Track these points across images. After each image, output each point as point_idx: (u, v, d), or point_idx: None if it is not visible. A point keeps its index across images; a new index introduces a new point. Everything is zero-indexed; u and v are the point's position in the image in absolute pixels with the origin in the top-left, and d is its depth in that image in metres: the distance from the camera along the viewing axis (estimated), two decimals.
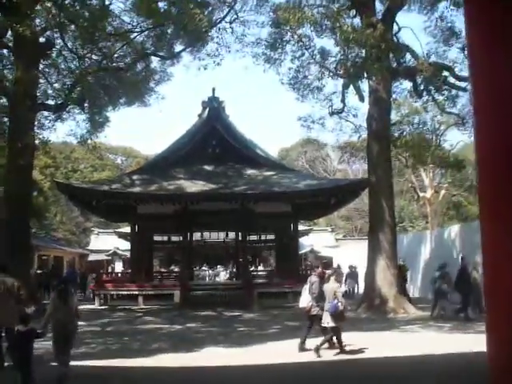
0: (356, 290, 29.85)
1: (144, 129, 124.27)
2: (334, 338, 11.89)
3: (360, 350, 11.96)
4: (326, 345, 11.86)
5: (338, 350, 11.67)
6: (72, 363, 8.67)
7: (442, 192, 52.70)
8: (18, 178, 20.25)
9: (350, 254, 39.08)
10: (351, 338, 12.98)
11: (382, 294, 19.81)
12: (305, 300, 12.45)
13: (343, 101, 22.60)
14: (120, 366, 10.51)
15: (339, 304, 11.41)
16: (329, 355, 11.39)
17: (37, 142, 32.17)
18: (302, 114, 24.55)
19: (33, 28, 18.00)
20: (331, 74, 20.00)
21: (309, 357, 11.19)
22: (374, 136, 21.12)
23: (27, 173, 21.20)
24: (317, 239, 49.05)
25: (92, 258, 52.29)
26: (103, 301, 24.52)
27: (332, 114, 23.46)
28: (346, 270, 26.78)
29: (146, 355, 11.63)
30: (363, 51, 17.77)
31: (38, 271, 29.82)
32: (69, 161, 74.50)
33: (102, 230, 56.07)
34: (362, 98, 21.95)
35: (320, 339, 11.72)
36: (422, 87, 22.52)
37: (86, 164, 75.60)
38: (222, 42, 22.38)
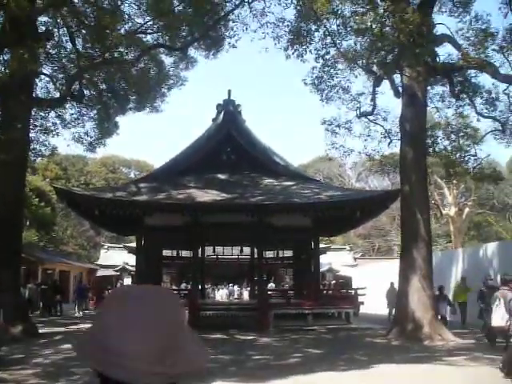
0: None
1: (157, 142, 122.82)
2: None
3: None
4: None
5: None
6: None
7: (466, 210, 50.52)
8: (8, 177, 18.15)
9: (370, 273, 36.97)
10: (387, 372, 10.79)
11: (416, 318, 17.45)
12: (499, 317, 10.57)
13: (373, 100, 20.41)
14: None
15: None
16: None
17: (43, 148, 30.79)
18: (327, 117, 22.20)
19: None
20: (362, 69, 17.91)
21: None
22: (407, 140, 18.86)
23: (19, 173, 19.13)
24: (334, 258, 46.76)
25: (101, 273, 50.72)
26: None
27: (360, 116, 21.26)
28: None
29: None
30: (399, 41, 15.61)
31: (32, 286, 27.72)
32: (81, 174, 73.26)
33: (112, 245, 54.64)
34: (397, 93, 19.66)
35: None
36: (458, 88, 20.38)
37: (98, 178, 74.03)
38: (238, 19, 20.53)
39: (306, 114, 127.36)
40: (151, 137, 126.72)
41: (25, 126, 18.84)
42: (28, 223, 48.29)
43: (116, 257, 48.02)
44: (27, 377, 10.74)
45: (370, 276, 34.04)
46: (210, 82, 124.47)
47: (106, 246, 54.46)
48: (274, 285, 36.82)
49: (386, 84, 20.75)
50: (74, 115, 27.81)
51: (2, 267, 16.71)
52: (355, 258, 54.26)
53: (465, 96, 21.43)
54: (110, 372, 1.06)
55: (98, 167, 77.52)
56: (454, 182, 43.55)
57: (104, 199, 21.63)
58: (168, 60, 26.18)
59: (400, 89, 19.98)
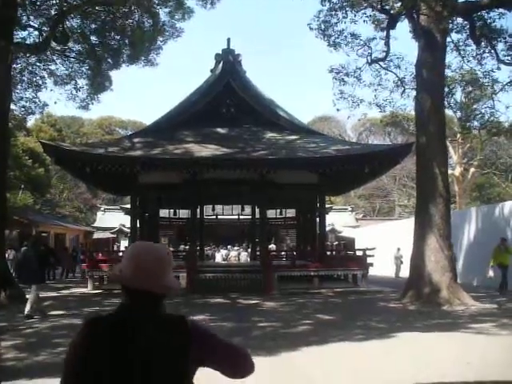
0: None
1: (155, 102, 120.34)
2: None
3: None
4: None
5: None
6: None
7: (471, 170, 49.22)
8: None
9: (373, 234, 35.80)
10: (410, 340, 9.64)
11: (433, 281, 16.10)
12: None
13: (387, 44, 18.57)
14: None
15: None
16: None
17: (33, 105, 29.28)
18: (335, 65, 20.46)
19: None
20: (375, 9, 16.19)
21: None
22: (424, 87, 17.14)
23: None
24: (336, 219, 45.47)
25: (97, 235, 49.74)
26: (98, 283, 21.07)
27: (372, 62, 19.52)
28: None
29: None
30: None
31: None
32: (77, 135, 71.77)
33: (108, 207, 53.41)
34: (415, 34, 17.85)
35: None
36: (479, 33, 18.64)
37: (94, 139, 72.49)
38: None
39: (305, 75, 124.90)
40: (148, 97, 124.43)
41: (6, 74, 17.19)
42: (22, 186, 47.24)
43: (113, 219, 47.17)
44: (5, 350, 9.36)
45: (372, 237, 32.84)
46: (209, 35, 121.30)
47: (102, 208, 53.37)
48: (274, 246, 35.58)
49: (399, 29, 19.07)
50: (66, 71, 26.48)
51: None
52: (357, 219, 53.11)
53: (484, 44, 19.73)
54: (124, 283, 2.08)
55: (94, 129, 76.32)
56: (460, 140, 42.21)
57: (95, 155, 20.03)
58: (163, 11, 24.59)
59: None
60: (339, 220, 47.05)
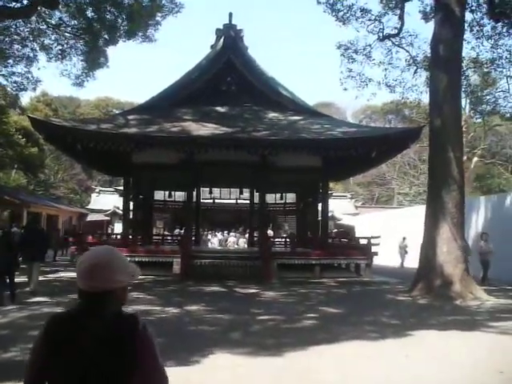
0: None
1: (153, 83, 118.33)
2: None
3: None
4: None
5: None
6: None
7: (474, 159, 48.26)
8: None
9: (373, 222, 34.79)
10: (430, 340, 8.72)
11: (445, 273, 15.00)
12: None
13: (401, 17, 17.28)
14: None
15: None
16: None
17: (25, 81, 28.19)
18: (343, 41, 19.22)
19: None
20: None
21: None
22: (440, 65, 15.89)
23: None
24: (335, 206, 44.31)
25: (91, 217, 48.61)
26: None
27: (383, 38, 18.29)
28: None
29: None
30: None
31: (16, 229, 24.97)
32: (73, 115, 70.34)
33: (103, 189, 52.05)
34: (434, 6, 16.58)
35: None
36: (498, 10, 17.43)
37: None
38: None
39: (305, 59, 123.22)
40: (147, 79, 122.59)
41: None
42: (16, 166, 46.15)
43: (107, 201, 45.88)
44: None
45: (373, 225, 31.81)
46: (212, 12, 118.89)
47: (97, 190, 52.06)
48: (272, 232, 34.41)
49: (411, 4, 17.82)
50: (60, 47, 25.43)
51: None
52: (356, 207, 52.04)
53: (502, 24, 18.53)
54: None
55: (91, 109, 74.98)
56: (464, 128, 41.14)
57: (86, 131, 18.79)
58: None
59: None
60: (338, 207, 45.84)
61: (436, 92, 16.15)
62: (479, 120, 40.20)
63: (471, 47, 20.70)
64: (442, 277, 14.99)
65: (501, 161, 53.89)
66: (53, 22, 24.47)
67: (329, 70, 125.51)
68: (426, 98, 25.42)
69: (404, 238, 27.95)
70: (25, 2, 17.96)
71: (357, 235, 29.15)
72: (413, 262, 25.68)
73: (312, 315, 11.65)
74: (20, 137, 43.65)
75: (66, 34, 25.12)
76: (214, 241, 32.34)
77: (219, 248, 28.23)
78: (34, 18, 22.80)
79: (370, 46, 18.94)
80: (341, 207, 46.95)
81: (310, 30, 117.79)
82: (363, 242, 21.23)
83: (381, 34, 18.29)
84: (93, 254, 2.28)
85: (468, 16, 19.29)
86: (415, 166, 60.04)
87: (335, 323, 10.54)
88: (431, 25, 16.46)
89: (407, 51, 19.32)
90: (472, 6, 18.84)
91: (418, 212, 29.74)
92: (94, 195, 52.05)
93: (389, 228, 30.00)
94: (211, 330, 9.70)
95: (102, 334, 2.09)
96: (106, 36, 24.17)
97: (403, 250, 28.12)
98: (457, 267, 15.01)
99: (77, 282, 2.21)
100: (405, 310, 12.73)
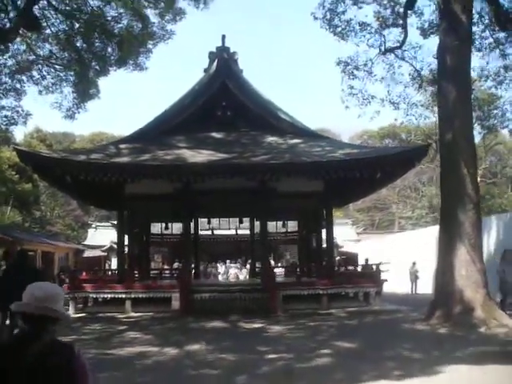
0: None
1: (147, 115, 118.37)
2: None
3: None
4: None
5: None
6: None
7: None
8: None
9: (376, 248, 33.75)
10: (461, 378, 7.61)
11: (465, 299, 13.89)
12: None
13: (404, 28, 16.45)
14: None
15: None
16: None
17: (15, 115, 27.46)
18: (343, 57, 18.42)
19: None
20: None
21: None
22: (449, 76, 14.99)
23: None
24: (337, 233, 43.36)
25: (88, 253, 47.56)
26: (82, 306, 18.87)
27: (385, 51, 17.45)
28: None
29: None
30: None
31: None
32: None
33: (100, 224, 51.30)
34: (439, 14, 15.73)
35: None
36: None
37: None
38: None
39: (301, 88, 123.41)
40: (139, 110, 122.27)
41: None
42: (11, 203, 45.29)
43: (105, 236, 45.03)
44: None
45: (376, 251, 30.71)
46: (205, 38, 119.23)
47: (94, 225, 51.45)
48: (273, 262, 33.34)
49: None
50: (51, 80, 24.90)
51: None
52: (358, 233, 51.19)
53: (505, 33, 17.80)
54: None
55: (86, 144, 74.45)
56: None
57: (75, 162, 17.78)
58: (152, 12, 22.87)
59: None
60: (340, 234, 44.88)
61: (445, 104, 15.22)
62: (478, 139, 39.61)
63: (479, 58, 19.84)
64: (462, 303, 13.87)
65: (503, 179, 53.33)
66: (42, 54, 23.96)
67: (323, 97, 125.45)
68: (430, 115, 24.67)
69: (414, 263, 26.81)
70: (7, 25, 17.23)
71: (361, 262, 28.09)
72: (423, 287, 24.71)
73: (325, 351, 10.51)
74: (13, 173, 42.89)
75: (56, 66, 24.57)
76: (220, 274, 31.40)
77: (220, 281, 27.07)
78: (22, 49, 22.31)
79: (371, 60, 18.17)
80: (342, 234, 45.98)
81: (304, 52, 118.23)
82: (370, 268, 20.17)
83: (382, 48, 17.48)
84: (34, 287, 2.57)
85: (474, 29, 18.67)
86: (416, 188, 59.33)
87: (352, 360, 9.43)
88: (431, 40, 15.71)
89: (411, 64, 18.55)
90: (477, 15, 18.15)
91: (424, 235, 28.90)
92: (91, 231, 51.33)
93: (394, 253, 28.98)
94: (214, 374, 8.56)
95: (38, 364, 2.28)
96: (96, 67, 23.60)
97: (413, 276, 26.94)
98: (477, 292, 13.91)
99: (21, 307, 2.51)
100: (425, 341, 11.58)
